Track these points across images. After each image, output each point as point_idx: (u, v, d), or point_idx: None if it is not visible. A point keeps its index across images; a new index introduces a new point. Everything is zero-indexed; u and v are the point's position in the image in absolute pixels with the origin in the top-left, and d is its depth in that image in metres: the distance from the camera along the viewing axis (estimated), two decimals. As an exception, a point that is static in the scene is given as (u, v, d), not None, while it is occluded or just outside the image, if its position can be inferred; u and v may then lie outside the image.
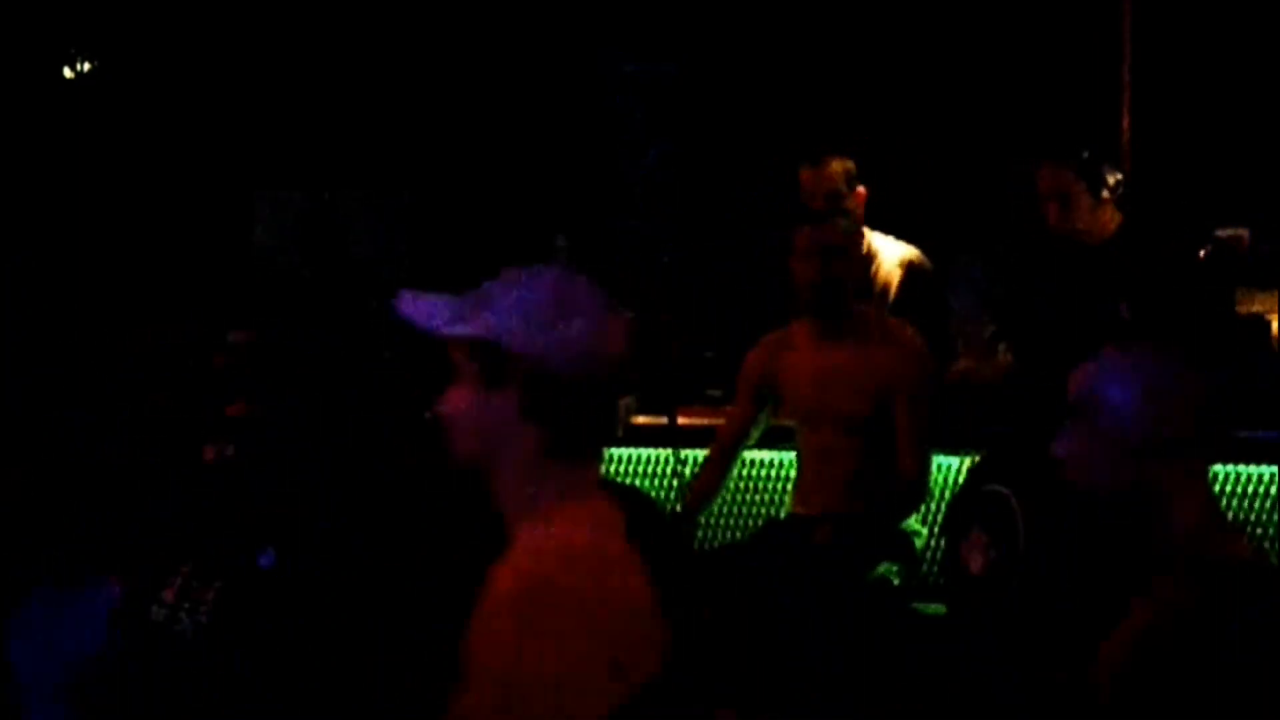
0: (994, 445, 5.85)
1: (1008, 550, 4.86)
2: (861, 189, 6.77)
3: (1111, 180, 6.17)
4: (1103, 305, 6.12)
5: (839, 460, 5.85)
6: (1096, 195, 6.16)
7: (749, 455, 6.42)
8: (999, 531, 4.91)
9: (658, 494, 6.50)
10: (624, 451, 6.65)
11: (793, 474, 6.11)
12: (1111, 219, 6.18)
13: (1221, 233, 6.67)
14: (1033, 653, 4.47)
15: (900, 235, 6.98)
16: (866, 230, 6.89)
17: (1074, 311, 6.20)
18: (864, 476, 5.83)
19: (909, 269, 6.85)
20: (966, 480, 5.82)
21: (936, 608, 5.94)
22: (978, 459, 5.86)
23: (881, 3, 8.81)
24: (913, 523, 5.88)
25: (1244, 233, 6.71)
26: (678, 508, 6.21)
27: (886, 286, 6.80)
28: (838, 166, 6.78)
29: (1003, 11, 8.58)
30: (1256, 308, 6.57)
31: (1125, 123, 8.28)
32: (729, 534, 6.52)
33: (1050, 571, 4.68)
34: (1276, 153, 7.96)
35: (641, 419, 6.60)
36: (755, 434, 6.17)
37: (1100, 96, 8.31)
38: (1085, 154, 6.19)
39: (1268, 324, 6.53)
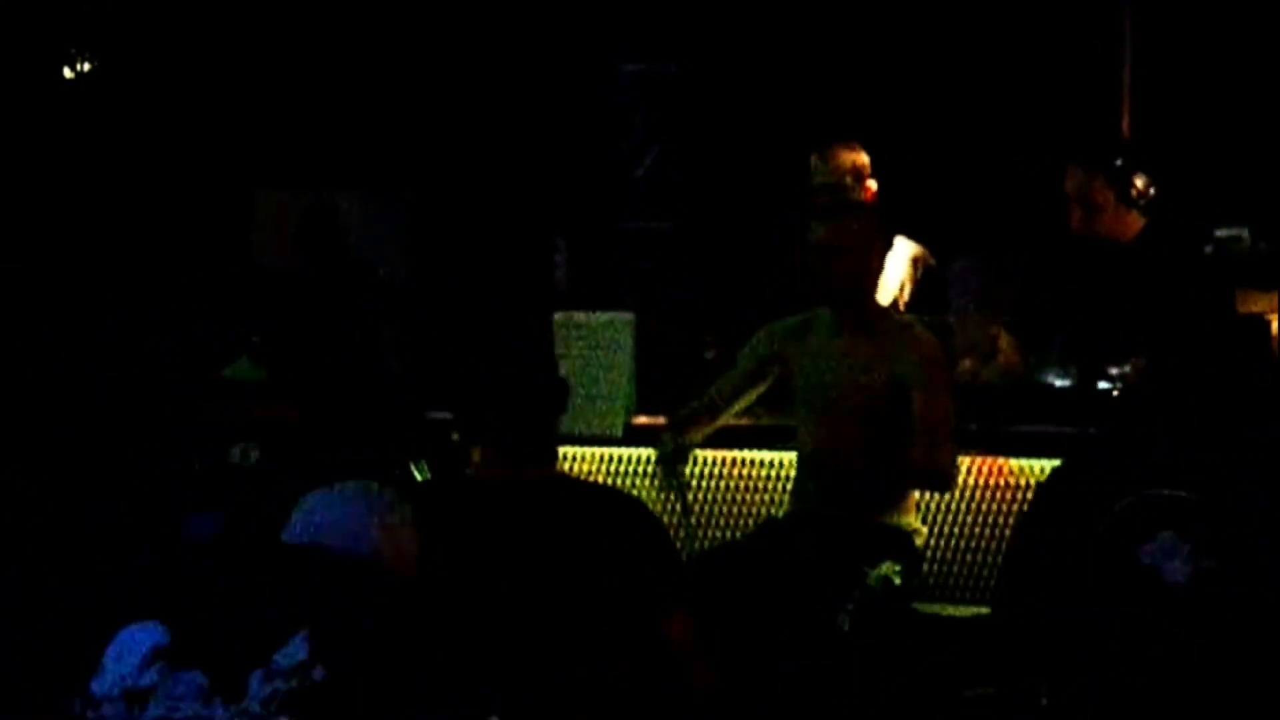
0: (1096, 447, 5.74)
1: (1220, 561, 4.77)
2: (872, 184, 6.77)
3: (1140, 185, 6.16)
4: (1121, 306, 6.13)
5: (843, 455, 5.84)
6: (1124, 202, 6.15)
7: (749, 455, 6.41)
8: (1204, 540, 4.81)
9: (658, 494, 6.50)
10: (624, 451, 6.64)
11: (793, 474, 6.11)
12: (1134, 224, 6.18)
13: (1221, 233, 6.67)
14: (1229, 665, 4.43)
15: (900, 234, 6.99)
16: None
17: (1096, 312, 6.20)
18: (866, 474, 5.82)
19: (919, 266, 6.86)
20: (1064, 483, 5.63)
21: (937, 608, 5.94)
22: (1067, 462, 5.71)
23: (882, 3, 8.81)
24: (914, 521, 5.88)
25: (1244, 233, 6.72)
26: (678, 508, 6.21)
27: (896, 282, 6.81)
28: (846, 159, 6.76)
29: (1003, 12, 8.59)
30: (1256, 308, 6.57)
31: (1125, 123, 8.28)
32: (729, 534, 6.51)
33: (1265, 583, 4.62)
34: (1276, 153, 7.96)
35: (641, 419, 6.59)
36: (744, 401, 6.13)
37: (1100, 96, 8.31)
38: (1119, 161, 6.18)
39: (1268, 324, 6.53)
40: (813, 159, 6.81)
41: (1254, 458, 5.12)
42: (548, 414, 4.39)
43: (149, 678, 3.15)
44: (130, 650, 3.17)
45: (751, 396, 6.15)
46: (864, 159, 6.83)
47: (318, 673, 3.08)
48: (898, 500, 5.84)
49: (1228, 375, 6.08)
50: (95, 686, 3.18)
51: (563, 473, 4.89)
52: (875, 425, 5.80)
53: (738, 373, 6.15)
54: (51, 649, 4.78)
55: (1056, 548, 5.28)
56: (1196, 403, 5.86)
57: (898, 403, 5.77)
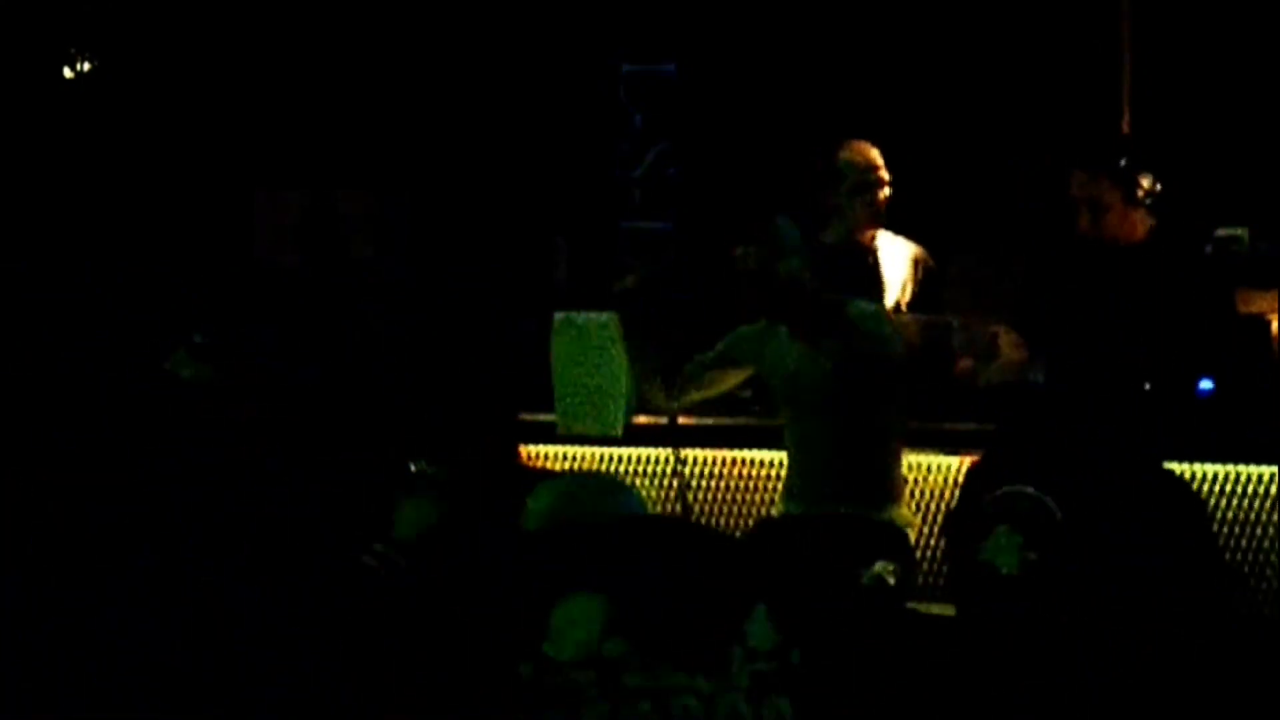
0: (1004, 443, 5.82)
1: (1048, 553, 4.85)
2: None
3: (1146, 184, 6.17)
4: (1128, 307, 6.14)
5: (825, 454, 5.85)
6: (1131, 202, 6.16)
7: (749, 455, 6.42)
8: (1035, 533, 4.91)
9: (658, 494, 6.50)
10: (624, 451, 6.64)
11: (792, 473, 6.12)
12: (1141, 224, 6.19)
13: (1221, 233, 6.68)
14: (1072, 654, 4.48)
15: (900, 234, 7.00)
16: None
17: (1099, 313, 6.20)
18: (852, 470, 5.83)
19: (920, 266, 6.87)
20: (975, 478, 5.77)
21: (940, 608, 5.94)
22: (981, 456, 5.82)
23: (882, 2, 8.81)
24: (906, 514, 5.88)
25: (1244, 233, 6.72)
26: (677, 508, 6.21)
27: (897, 283, 6.82)
28: (874, 153, 6.81)
29: (1003, 11, 8.58)
30: (1256, 308, 6.57)
31: (1125, 123, 8.28)
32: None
33: (1097, 576, 4.69)
34: (1276, 153, 7.96)
35: (641, 419, 6.60)
36: (722, 380, 6.18)
37: (1100, 96, 8.31)
38: (1123, 162, 6.19)
39: (1268, 324, 6.53)
40: (843, 156, 6.80)
41: (1115, 462, 5.19)
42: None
43: (614, 647, 3.17)
44: (579, 621, 3.19)
45: (729, 379, 6.16)
46: None
47: (795, 656, 3.16)
48: (888, 491, 5.84)
49: (1228, 375, 6.08)
50: (552, 652, 3.20)
51: None
52: (852, 414, 5.80)
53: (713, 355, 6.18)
54: (51, 649, 4.78)
55: (952, 545, 5.39)
56: (1085, 402, 5.91)
57: (864, 382, 5.77)
